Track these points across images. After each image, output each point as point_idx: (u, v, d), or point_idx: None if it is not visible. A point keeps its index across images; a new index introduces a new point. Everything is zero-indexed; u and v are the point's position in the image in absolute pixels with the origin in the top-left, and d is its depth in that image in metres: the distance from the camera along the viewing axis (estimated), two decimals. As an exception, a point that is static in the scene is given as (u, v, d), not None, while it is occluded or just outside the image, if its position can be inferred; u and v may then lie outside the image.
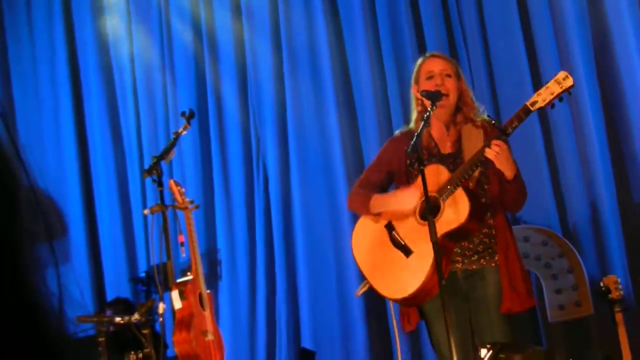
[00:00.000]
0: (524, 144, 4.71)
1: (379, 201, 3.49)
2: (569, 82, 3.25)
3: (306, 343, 5.11)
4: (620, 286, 3.83)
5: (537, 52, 4.86)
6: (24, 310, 0.55)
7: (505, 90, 4.91)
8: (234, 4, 5.59)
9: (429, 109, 3.29)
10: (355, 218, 5.07)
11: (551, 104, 3.27)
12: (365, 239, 3.55)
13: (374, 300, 5.01)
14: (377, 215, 3.50)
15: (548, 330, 4.55)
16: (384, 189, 3.61)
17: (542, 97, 3.25)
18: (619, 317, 3.74)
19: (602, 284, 3.84)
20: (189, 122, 4.37)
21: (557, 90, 3.25)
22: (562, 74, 3.28)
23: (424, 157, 3.37)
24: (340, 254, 5.11)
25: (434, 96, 3.34)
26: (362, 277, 3.62)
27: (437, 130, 3.51)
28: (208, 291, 4.52)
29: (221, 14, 5.63)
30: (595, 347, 4.44)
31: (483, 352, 3.02)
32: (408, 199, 3.37)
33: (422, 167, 3.17)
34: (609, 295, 3.79)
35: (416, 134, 3.17)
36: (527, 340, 3.43)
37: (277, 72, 5.42)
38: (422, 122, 3.24)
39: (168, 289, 4.25)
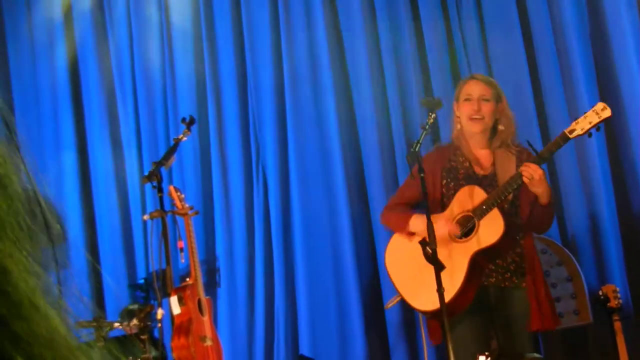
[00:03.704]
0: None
1: (419, 221, 3.56)
2: (607, 112, 3.41)
3: (304, 350, 5.11)
4: (619, 295, 3.84)
5: (536, 54, 4.87)
6: (23, 318, 0.55)
7: (505, 92, 4.91)
8: (235, 9, 5.60)
9: (428, 116, 3.35)
10: (356, 228, 5.09)
11: (588, 133, 3.39)
12: (399, 254, 3.66)
13: (373, 309, 5.01)
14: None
15: (546, 339, 4.55)
16: (418, 205, 3.73)
17: (580, 125, 3.40)
18: (617, 325, 3.75)
19: (600, 293, 3.85)
20: (189, 129, 4.39)
21: (596, 120, 3.40)
22: (600, 105, 3.44)
23: (460, 176, 3.55)
24: (339, 261, 5.11)
25: (434, 104, 3.40)
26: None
27: (476, 151, 3.62)
28: (207, 297, 4.52)
29: (221, 19, 5.63)
30: (593, 356, 4.43)
31: (481, 359, 3.03)
32: (441, 228, 3.47)
33: (422, 175, 3.25)
34: (608, 304, 3.80)
35: (418, 141, 3.25)
36: (531, 346, 3.47)
37: (278, 78, 5.42)
38: (423, 131, 3.31)
39: (167, 294, 4.25)
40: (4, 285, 0.55)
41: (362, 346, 5.01)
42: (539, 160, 3.36)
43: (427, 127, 3.33)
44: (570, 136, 3.39)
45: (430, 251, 3.49)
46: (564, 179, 4.77)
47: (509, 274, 3.49)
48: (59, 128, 5.87)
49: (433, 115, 3.39)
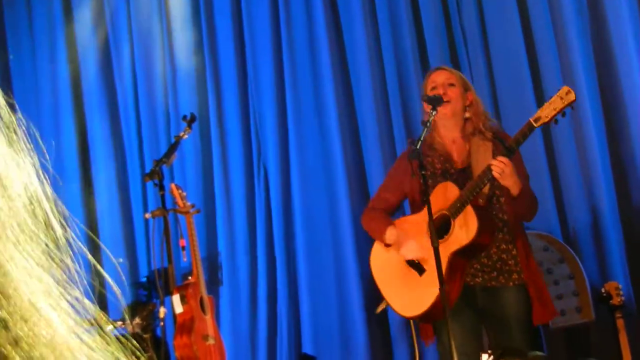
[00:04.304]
0: (525, 150, 4.69)
1: (393, 236, 3.56)
2: (572, 96, 3.27)
3: (307, 348, 5.11)
4: (621, 292, 3.83)
5: (537, 54, 4.87)
6: (23, 317, 0.55)
7: (506, 92, 4.91)
8: (235, 7, 5.59)
9: (430, 113, 3.31)
10: (357, 225, 5.09)
11: (554, 120, 3.29)
12: (383, 257, 3.63)
13: (374, 306, 5.00)
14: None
15: (549, 336, 4.55)
16: (398, 205, 3.72)
17: (545, 112, 3.28)
18: (620, 323, 3.74)
19: (603, 290, 3.84)
20: (190, 126, 4.38)
21: (560, 105, 3.27)
22: (564, 89, 3.30)
23: (438, 172, 3.46)
24: (341, 258, 5.11)
25: (435, 100, 3.35)
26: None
27: (449, 143, 3.54)
28: (209, 295, 4.52)
29: (222, 17, 5.63)
30: (596, 353, 4.43)
31: (484, 357, 3.02)
32: (413, 249, 3.46)
33: (423, 172, 3.20)
34: (610, 301, 3.79)
35: (419, 139, 3.19)
36: (528, 346, 3.44)
37: (278, 75, 5.42)
38: (425, 128, 3.26)
39: (169, 293, 4.25)
40: (4, 287, 0.54)
41: (364, 344, 5.01)
42: (507, 152, 3.27)
43: (428, 123, 3.29)
44: (536, 125, 3.27)
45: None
46: (565, 175, 4.76)
47: (495, 272, 3.42)
48: (60, 127, 5.87)
49: (434, 112, 3.34)
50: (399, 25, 5.18)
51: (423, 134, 3.23)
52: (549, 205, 4.70)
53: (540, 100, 4.81)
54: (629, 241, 4.56)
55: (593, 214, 4.66)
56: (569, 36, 4.75)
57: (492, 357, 2.99)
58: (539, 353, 3.25)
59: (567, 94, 3.27)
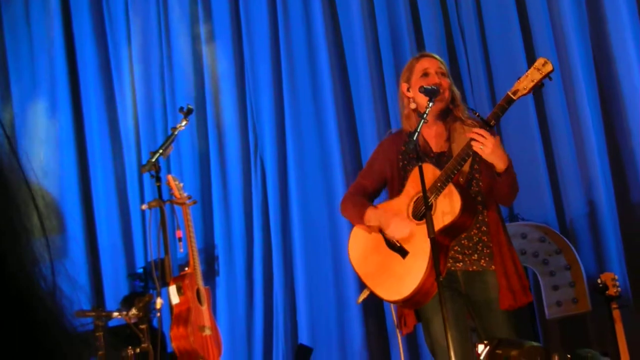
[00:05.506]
0: (522, 141, 4.72)
1: (373, 216, 3.46)
2: (549, 67, 3.23)
3: (303, 339, 5.12)
4: (617, 283, 3.84)
5: (535, 52, 4.86)
6: (20, 302, 0.56)
7: (504, 89, 4.90)
8: (233, 3, 5.59)
9: (427, 105, 3.28)
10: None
11: (532, 91, 3.26)
12: (361, 245, 3.53)
13: (372, 298, 5.01)
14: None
15: (545, 327, 4.56)
16: (377, 193, 3.61)
17: (523, 85, 3.24)
18: (616, 313, 3.75)
19: (599, 281, 3.85)
20: (187, 118, 4.38)
21: (537, 76, 3.23)
22: (541, 60, 3.27)
23: (416, 155, 3.35)
24: (337, 250, 5.12)
25: (432, 92, 3.32)
26: (360, 279, 3.62)
27: (429, 129, 3.49)
28: (205, 286, 4.53)
29: (220, 12, 5.63)
30: (592, 344, 4.44)
31: (480, 347, 3.03)
32: (401, 227, 3.35)
33: (420, 164, 3.17)
34: (607, 292, 3.80)
35: (416, 130, 3.16)
36: (524, 337, 3.42)
37: (275, 67, 5.42)
38: (421, 119, 3.22)
39: (166, 284, 4.25)
40: (1, 278, 0.55)
41: (360, 335, 5.02)
42: (486, 126, 3.18)
43: (425, 116, 3.26)
44: (514, 97, 3.21)
45: (393, 240, 3.42)
46: (562, 166, 4.77)
47: (476, 255, 3.34)
48: (58, 119, 5.86)
49: (431, 104, 3.31)
50: (397, 22, 5.17)
51: (420, 126, 3.20)
52: (546, 197, 4.71)
53: (539, 99, 4.82)
54: (626, 232, 4.57)
55: (590, 205, 4.67)
56: (568, 34, 4.76)
57: (488, 347, 2.99)
58: (534, 343, 3.25)
59: (543, 65, 3.24)
